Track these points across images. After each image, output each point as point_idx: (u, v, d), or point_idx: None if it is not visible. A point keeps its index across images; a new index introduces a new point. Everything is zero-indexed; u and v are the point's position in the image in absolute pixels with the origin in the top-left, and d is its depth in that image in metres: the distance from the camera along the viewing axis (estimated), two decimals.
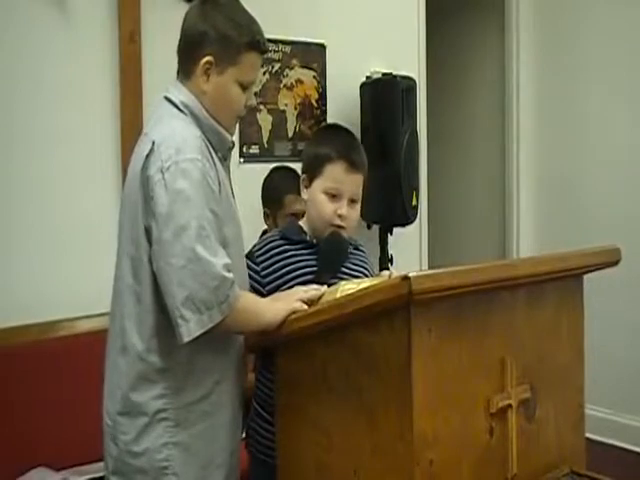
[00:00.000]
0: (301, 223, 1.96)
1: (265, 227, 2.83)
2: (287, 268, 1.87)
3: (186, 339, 1.55)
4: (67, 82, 2.82)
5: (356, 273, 1.92)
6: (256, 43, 1.71)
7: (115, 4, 2.90)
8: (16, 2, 2.70)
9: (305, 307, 1.64)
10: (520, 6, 4.43)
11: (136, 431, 1.63)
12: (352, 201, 1.88)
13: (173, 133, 1.62)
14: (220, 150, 1.74)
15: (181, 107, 1.70)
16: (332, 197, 1.86)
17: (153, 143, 1.61)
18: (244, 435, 1.94)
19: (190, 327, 1.54)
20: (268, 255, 1.89)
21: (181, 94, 1.71)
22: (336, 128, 2.08)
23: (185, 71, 1.74)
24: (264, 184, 2.93)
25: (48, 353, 2.62)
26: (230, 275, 1.56)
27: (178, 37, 1.76)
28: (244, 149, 3.36)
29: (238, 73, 1.70)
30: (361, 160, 1.89)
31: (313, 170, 1.89)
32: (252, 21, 1.74)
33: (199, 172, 1.57)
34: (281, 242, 1.91)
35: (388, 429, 1.43)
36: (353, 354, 1.51)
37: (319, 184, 1.87)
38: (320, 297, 1.68)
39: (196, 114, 1.70)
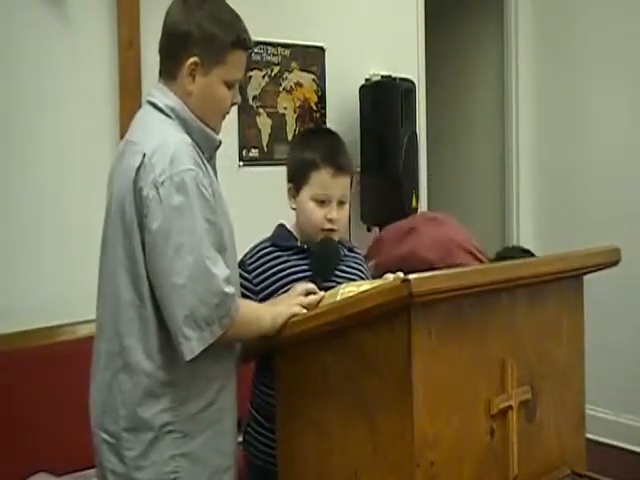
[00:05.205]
0: (290, 228, 1.94)
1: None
2: (281, 274, 1.86)
3: (189, 357, 1.53)
4: (67, 88, 2.82)
5: (351, 276, 1.92)
6: (242, 41, 1.67)
7: (114, 10, 2.91)
8: (15, 10, 2.71)
9: (304, 311, 1.64)
10: (519, 7, 4.44)
11: (143, 446, 1.59)
12: (340, 203, 1.87)
13: (164, 143, 1.57)
14: (207, 151, 1.69)
15: (167, 111, 1.65)
16: (321, 203, 1.85)
17: (144, 156, 1.55)
18: (241, 440, 1.92)
19: (192, 345, 1.52)
20: (260, 262, 1.87)
21: (166, 97, 1.66)
22: (318, 131, 2.05)
23: (169, 72, 1.68)
24: None
25: (50, 358, 2.61)
26: (231, 290, 1.55)
27: None
28: (243, 152, 3.35)
29: (224, 72, 1.66)
30: (346, 162, 1.88)
31: (299, 179, 1.87)
32: (236, 18, 1.69)
33: (194, 183, 1.54)
34: (272, 249, 1.90)
35: (389, 430, 1.43)
36: (354, 356, 1.51)
37: (306, 192, 1.86)
38: (320, 301, 1.68)
39: (183, 117, 1.65)
